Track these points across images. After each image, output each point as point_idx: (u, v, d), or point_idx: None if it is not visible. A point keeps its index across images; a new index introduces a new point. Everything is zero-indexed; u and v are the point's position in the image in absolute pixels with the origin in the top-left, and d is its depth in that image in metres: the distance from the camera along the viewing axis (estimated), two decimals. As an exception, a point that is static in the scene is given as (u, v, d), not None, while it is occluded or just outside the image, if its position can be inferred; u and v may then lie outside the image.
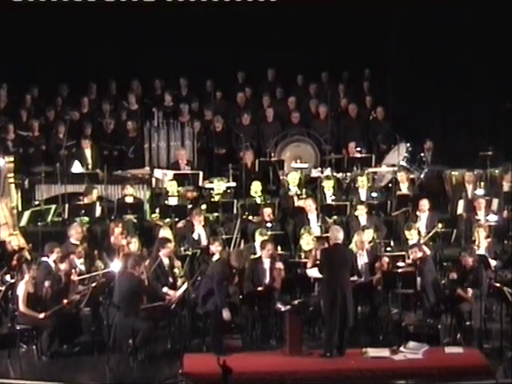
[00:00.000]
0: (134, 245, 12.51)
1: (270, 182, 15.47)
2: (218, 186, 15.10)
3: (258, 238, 12.88)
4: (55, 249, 11.96)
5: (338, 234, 11.37)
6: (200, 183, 15.46)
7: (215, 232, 13.59)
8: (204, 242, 13.24)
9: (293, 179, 15.12)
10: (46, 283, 11.44)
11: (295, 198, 14.90)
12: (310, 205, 14.15)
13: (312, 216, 14.11)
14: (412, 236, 13.06)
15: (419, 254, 12.24)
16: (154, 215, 14.49)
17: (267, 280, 12.10)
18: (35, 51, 16.86)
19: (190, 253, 12.60)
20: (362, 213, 13.95)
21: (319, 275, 11.64)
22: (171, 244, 12.28)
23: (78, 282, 11.79)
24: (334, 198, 14.80)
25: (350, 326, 11.23)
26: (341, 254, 11.25)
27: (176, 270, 12.04)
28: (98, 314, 11.76)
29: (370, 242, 12.78)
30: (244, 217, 14.28)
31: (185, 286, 11.64)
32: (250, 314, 11.83)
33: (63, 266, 11.65)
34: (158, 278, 11.97)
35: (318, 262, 11.88)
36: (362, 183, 14.97)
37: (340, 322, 10.98)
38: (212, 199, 14.86)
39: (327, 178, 15.19)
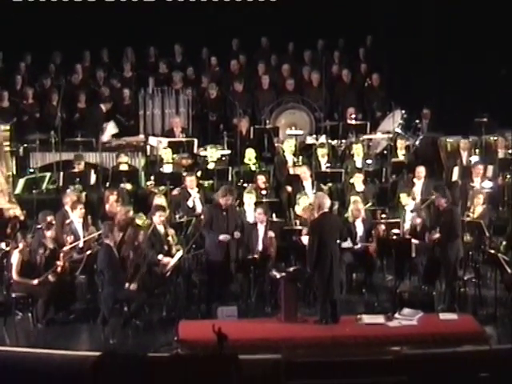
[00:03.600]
0: (130, 213, 12.40)
1: (264, 149, 15.40)
2: (213, 153, 15.03)
3: (246, 197, 12.82)
4: (48, 217, 11.86)
5: (325, 201, 11.07)
6: (195, 151, 15.39)
7: (210, 200, 13.52)
8: (199, 209, 13.14)
9: (288, 146, 15.04)
10: (40, 251, 11.40)
11: (290, 166, 14.86)
12: (304, 172, 14.07)
13: (307, 183, 14.03)
14: (408, 202, 13.00)
15: (418, 220, 12.20)
16: (148, 183, 14.39)
17: (260, 246, 12.05)
18: (27, 18, 16.65)
19: (184, 220, 12.50)
20: (358, 180, 13.83)
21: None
22: (165, 212, 12.19)
23: (73, 249, 11.74)
24: (328, 165, 14.74)
25: (344, 293, 11.31)
26: (330, 223, 11.06)
27: (170, 238, 11.97)
28: (93, 281, 11.62)
29: (365, 210, 12.72)
30: (239, 184, 14.23)
31: (180, 254, 11.57)
32: (245, 281, 11.81)
33: (49, 234, 11.59)
34: (153, 245, 11.87)
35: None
36: (357, 150, 14.89)
37: (332, 290, 10.91)
38: (207, 167, 14.80)
39: (322, 145, 15.13)
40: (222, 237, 11.65)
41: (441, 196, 11.87)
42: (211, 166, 14.79)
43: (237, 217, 12.10)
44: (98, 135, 15.12)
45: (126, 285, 10.99)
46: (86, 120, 16.16)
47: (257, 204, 12.74)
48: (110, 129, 16.07)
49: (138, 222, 12.21)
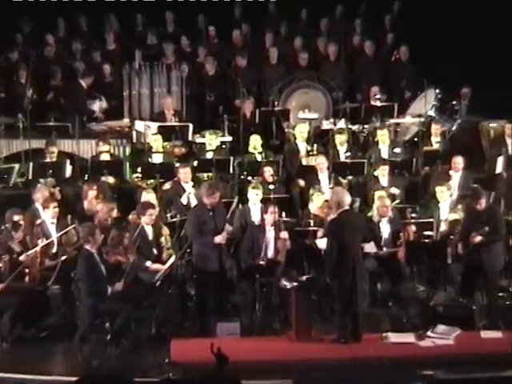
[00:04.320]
0: (114, 212, 12.49)
1: (272, 135, 15.40)
2: (211, 140, 15.02)
3: (252, 193, 12.82)
4: (16, 216, 11.89)
5: (344, 198, 11.05)
6: (190, 137, 15.39)
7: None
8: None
9: (300, 132, 15.04)
10: (5, 256, 11.35)
11: (303, 155, 14.87)
12: (321, 163, 14.09)
13: (323, 176, 14.08)
14: (446, 198, 12.99)
15: (455, 217, 12.29)
16: (134, 176, 14.46)
17: (270, 252, 12.09)
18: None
19: (177, 220, 12.55)
20: (383, 173, 13.93)
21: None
22: (155, 210, 12.20)
23: (43, 253, 11.76)
24: (348, 154, 14.76)
25: (367, 307, 11.32)
26: (352, 223, 11.06)
27: (162, 240, 12.00)
28: (69, 292, 11.67)
29: (392, 208, 12.75)
30: (242, 177, 14.24)
31: (172, 260, 11.62)
32: (250, 291, 11.84)
33: (16, 235, 11.61)
34: (140, 250, 11.89)
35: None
36: (383, 137, 14.88)
37: (354, 303, 10.90)
38: (204, 156, 14.79)
39: (341, 130, 15.13)
40: (218, 238, 11.61)
41: (477, 197, 11.88)
42: (209, 155, 14.79)
43: (226, 216, 12.10)
44: (76, 119, 15.04)
45: (109, 289, 11.01)
46: (64, 100, 16.12)
47: (263, 201, 12.76)
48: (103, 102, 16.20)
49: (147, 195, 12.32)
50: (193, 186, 13.53)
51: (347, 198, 11.14)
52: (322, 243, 12.01)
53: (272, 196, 13.05)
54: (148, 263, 11.87)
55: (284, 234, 12.14)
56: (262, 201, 12.84)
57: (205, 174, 14.33)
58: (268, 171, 13.90)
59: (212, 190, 11.75)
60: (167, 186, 13.93)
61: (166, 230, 12.16)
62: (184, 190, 13.48)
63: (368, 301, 11.83)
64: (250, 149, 14.92)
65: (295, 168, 14.77)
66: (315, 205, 12.82)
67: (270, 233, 12.16)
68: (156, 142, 14.82)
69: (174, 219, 12.73)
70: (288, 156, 15.06)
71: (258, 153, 14.86)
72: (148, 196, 12.88)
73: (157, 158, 14.65)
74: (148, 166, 14.25)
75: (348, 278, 10.84)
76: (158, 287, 11.48)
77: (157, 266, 11.78)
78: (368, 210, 12.90)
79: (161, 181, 13.83)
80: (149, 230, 12.07)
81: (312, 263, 12.00)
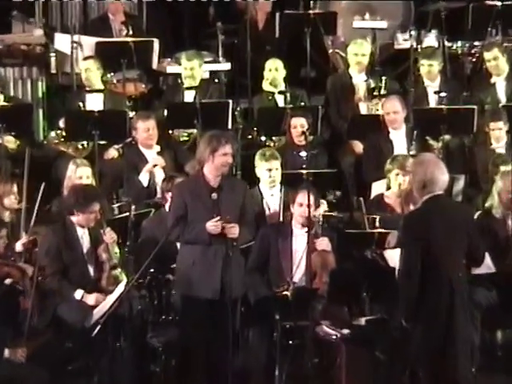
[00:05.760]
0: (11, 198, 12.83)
1: (306, 60, 15.44)
2: (194, 70, 15.13)
3: (266, 168, 13.04)
4: None
5: (436, 175, 10.82)
6: (154, 65, 15.47)
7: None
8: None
9: (356, 55, 15.23)
10: None
11: (361, 96, 14.92)
12: (393, 110, 14.19)
13: (397, 134, 14.44)
14: None
15: None
16: (54, 134, 14.61)
17: (300, 273, 12.23)
18: None
19: (131, 215, 12.74)
20: (496, 134, 14.15)
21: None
22: (101, 204, 12.31)
23: None
24: (444, 95, 14.73)
25: (475, 371, 11.58)
26: (448, 221, 10.86)
27: (101, 252, 12.11)
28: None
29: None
30: (250, 136, 14.27)
31: (121, 287, 11.67)
32: (264, 345, 12.02)
33: None
34: (66, 269, 12.13)
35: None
36: (501, 64, 14.96)
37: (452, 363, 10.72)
38: (180, 99, 14.92)
39: (429, 51, 15.24)
40: (210, 225, 11.41)
41: None
42: (190, 96, 14.90)
43: (239, 203, 11.75)
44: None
45: (6, 352, 11.14)
46: None
47: (287, 181, 12.83)
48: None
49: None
50: (159, 153, 13.59)
51: (442, 176, 10.91)
52: (394, 257, 11.87)
53: (304, 171, 12.89)
54: (78, 294, 12.04)
55: (323, 244, 12.11)
56: (282, 181, 12.90)
57: (184, 133, 14.44)
58: (298, 125, 14.01)
59: (219, 139, 11.44)
60: (113, 152, 14.14)
61: (111, 234, 12.11)
62: (145, 161, 13.59)
63: (478, 360, 11.99)
64: (265, 85, 15.21)
65: (347, 120, 14.74)
66: (394, 184, 13.16)
67: (301, 239, 12.27)
68: (93, 73, 15.02)
69: (127, 213, 12.83)
70: (334, 98, 15.19)
71: (279, 92, 15.00)
72: (80, 171, 13.22)
73: (94, 102, 14.78)
74: (78, 117, 14.31)
75: (440, 318, 10.67)
76: (97, 337, 11.40)
77: (94, 297, 11.91)
78: (482, 198, 12.78)
79: (101, 143, 13.84)
80: (82, 235, 12.25)
81: (377, 293, 11.86)
